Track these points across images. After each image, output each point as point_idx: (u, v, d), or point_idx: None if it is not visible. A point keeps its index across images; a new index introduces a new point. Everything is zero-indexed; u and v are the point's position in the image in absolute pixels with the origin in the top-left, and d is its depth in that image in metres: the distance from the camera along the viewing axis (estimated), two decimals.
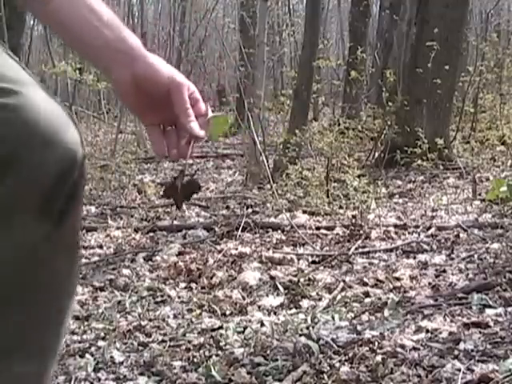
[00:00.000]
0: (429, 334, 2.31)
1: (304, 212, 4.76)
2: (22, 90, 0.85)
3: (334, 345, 2.24)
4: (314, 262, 3.55)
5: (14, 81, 0.86)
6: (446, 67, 7.00)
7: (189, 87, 1.01)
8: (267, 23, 8.16)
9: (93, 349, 2.42)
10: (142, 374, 2.20)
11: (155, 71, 0.98)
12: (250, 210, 4.96)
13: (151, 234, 4.34)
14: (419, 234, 4.01)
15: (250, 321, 2.65)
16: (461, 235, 3.93)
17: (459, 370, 1.96)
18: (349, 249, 3.70)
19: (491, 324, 2.36)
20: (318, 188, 5.24)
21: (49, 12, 0.97)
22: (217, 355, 2.28)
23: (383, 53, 12.00)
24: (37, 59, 14.97)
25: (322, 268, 3.43)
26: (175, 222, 4.55)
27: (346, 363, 2.10)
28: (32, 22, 15.18)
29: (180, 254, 3.77)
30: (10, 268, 0.85)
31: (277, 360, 2.17)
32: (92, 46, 0.98)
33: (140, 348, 2.43)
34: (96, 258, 3.80)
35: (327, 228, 4.27)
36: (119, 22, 0.99)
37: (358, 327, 2.42)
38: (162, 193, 1.20)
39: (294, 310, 2.79)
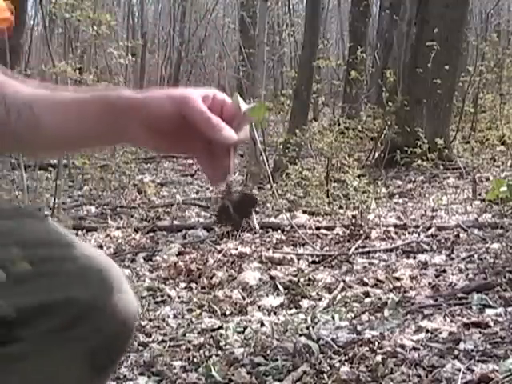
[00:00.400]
0: (429, 334, 2.30)
1: (304, 212, 4.76)
2: (76, 245, 0.93)
3: (334, 345, 2.24)
4: (314, 262, 3.55)
5: (68, 237, 0.95)
6: (446, 67, 7.00)
7: (205, 95, 0.90)
8: (267, 23, 8.15)
9: None
10: (142, 373, 2.21)
11: (152, 103, 0.89)
12: None
13: (151, 234, 4.34)
14: (419, 234, 4.01)
15: (250, 321, 2.65)
16: (461, 235, 3.93)
17: (459, 370, 1.95)
18: (349, 249, 3.70)
19: (491, 324, 2.36)
20: (318, 188, 5.24)
21: (41, 133, 0.93)
22: (217, 355, 2.28)
23: (383, 53, 12.00)
24: (37, 59, 14.97)
25: (322, 268, 3.42)
26: (175, 222, 4.55)
27: (346, 363, 2.10)
28: (32, 22, 15.21)
29: (180, 253, 3.77)
30: None
31: (277, 360, 2.17)
32: (89, 132, 0.92)
33: (140, 348, 2.43)
34: None
35: (327, 228, 4.27)
36: (98, 88, 0.94)
37: (358, 327, 2.41)
38: (214, 219, 1.11)
39: (294, 310, 2.79)
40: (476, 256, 3.43)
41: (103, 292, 0.92)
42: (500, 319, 2.41)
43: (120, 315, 0.93)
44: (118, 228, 4.53)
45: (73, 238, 0.95)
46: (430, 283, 3.03)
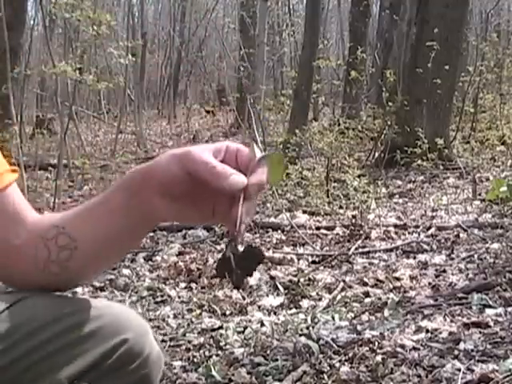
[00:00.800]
0: (429, 334, 2.31)
1: (304, 212, 4.76)
2: (95, 303, 0.97)
3: (334, 345, 2.24)
4: (314, 262, 3.55)
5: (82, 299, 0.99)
6: (446, 67, 7.00)
7: (216, 149, 0.86)
8: (267, 23, 8.17)
9: None
10: None
11: (158, 167, 0.86)
12: None
13: (151, 234, 4.34)
14: (419, 234, 4.01)
15: (250, 321, 2.65)
16: (461, 235, 3.93)
17: (459, 369, 1.96)
18: (349, 249, 3.70)
19: (491, 324, 2.36)
20: (318, 188, 5.24)
21: (80, 253, 0.91)
22: (217, 355, 2.28)
23: (383, 53, 12.01)
24: (37, 59, 14.98)
25: (322, 268, 3.42)
26: (175, 222, 4.54)
27: (346, 363, 2.10)
28: (32, 22, 15.20)
29: (180, 253, 3.77)
30: None
31: (277, 360, 2.17)
32: (121, 225, 0.90)
33: None
34: None
35: (327, 228, 4.27)
36: (112, 188, 0.92)
37: (358, 327, 2.41)
38: (214, 271, 1.05)
39: (294, 310, 2.79)
40: (476, 256, 3.43)
41: (142, 334, 0.95)
42: (500, 319, 2.41)
43: (153, 357, 0.96)
44: None
45: (85, 299, 0.98)
46: (430, 283, 3.03)
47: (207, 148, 0.86)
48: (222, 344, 2.38)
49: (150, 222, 0.92)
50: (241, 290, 3.04)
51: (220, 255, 0.84)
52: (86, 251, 0.91)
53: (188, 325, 2.65)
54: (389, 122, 7.22)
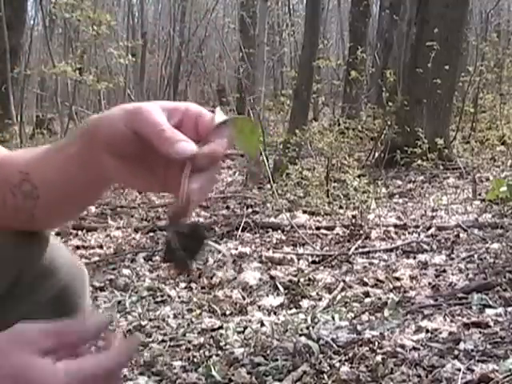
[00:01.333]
0: (429, 334, 2.31)
1: (304, 212, 4.76)
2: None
3: (334, 345, 2.24)
4: (314, 262, 3.55)
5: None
6: (446, 67, 7.01)
7: (174, 108, 0.76)
8: (267, 23, 8.17)
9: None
10: (142, 373, 2.20)
11: (104, 121, 0.77)
12: (250, 210, 4.96)
13: (151, 234, 4.34)
14: (419, 234, 4.01)
15: (250, 321, 2.65)
16: (461, 235, 3.93)
17: (459, 369, 1.96)
18: (349, 249, 3.70)
19: (491, 324, 2.36)
20: (318, 188, 5.24)
21: (42, 202, 0.86)
22: (217, 355, 2.28)
23: (383, 53, 12.02)
24: (37, 59, 14.99)
25: (322, 268, 3.42)
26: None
27: (346, 363, 2.10)
28: (32, 22, 15.21)
29: None
30: None
31: (277, 360, 2.17)
32: (75, 179, 0.83)
33: (140, 348, 2.43)
34: (96, 258, 3.79)
35: (327, 228, 4.27)
36: (73, 135, 0.84)
37: (358, 327, 2.41)
38: (162, 258, 0.90)
39: (294, 310, 2.79)
40: (476, 256, 3.43)
41: (53, 245, 0.94)
42: (500, 319, 2.41)
43: (66, 267, 0.94)
44: (118, 228, 4.53)
45: None
46: (430, 283, 3.03)
47: (162, 106, 0.75)
48: (222, 344, 2.38)
49: (102, 181, 0.85)
50: (241, 290, 3.04)
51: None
52: (46, 199, 0.87)
53: (188, 325, 2.65)
54: (389, 122, 7.22)
